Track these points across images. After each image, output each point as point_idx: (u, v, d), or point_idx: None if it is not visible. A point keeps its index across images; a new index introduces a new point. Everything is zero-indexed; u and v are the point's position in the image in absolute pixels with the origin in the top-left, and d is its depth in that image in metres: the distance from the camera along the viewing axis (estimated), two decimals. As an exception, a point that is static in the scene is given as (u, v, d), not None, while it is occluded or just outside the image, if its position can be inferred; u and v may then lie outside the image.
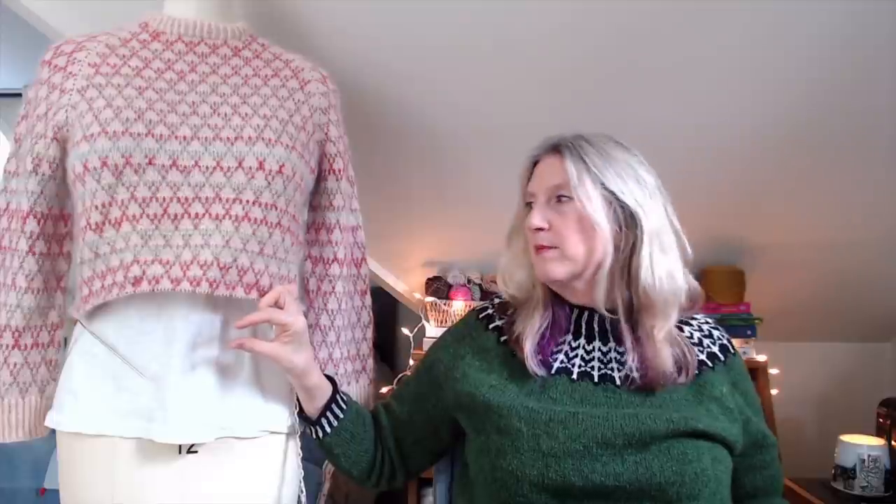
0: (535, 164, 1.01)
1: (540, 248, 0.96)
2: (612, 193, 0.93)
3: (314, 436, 1.02)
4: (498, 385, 0.96)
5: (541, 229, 0.95)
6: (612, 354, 0.96)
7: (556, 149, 0.97)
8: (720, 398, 0.95)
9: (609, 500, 0.86)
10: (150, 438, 0.93)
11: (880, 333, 2.33)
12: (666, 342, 0.93)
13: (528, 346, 0.95)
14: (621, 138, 1.00)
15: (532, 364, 0.94)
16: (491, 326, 1.04)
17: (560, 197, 0.94)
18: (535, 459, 0.87)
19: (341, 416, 1.01)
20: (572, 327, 0.99)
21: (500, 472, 0.89)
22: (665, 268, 0.93)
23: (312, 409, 1.01)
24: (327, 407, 1.01)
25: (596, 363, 0.96)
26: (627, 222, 0.93)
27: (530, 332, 0.96)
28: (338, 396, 1.02)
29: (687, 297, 0.99)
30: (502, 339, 1.01)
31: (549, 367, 0.96)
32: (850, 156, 1.60)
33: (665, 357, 0.92)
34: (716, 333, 1.02)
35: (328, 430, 1.01)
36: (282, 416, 1.04)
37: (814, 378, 2.31)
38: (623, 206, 0.93)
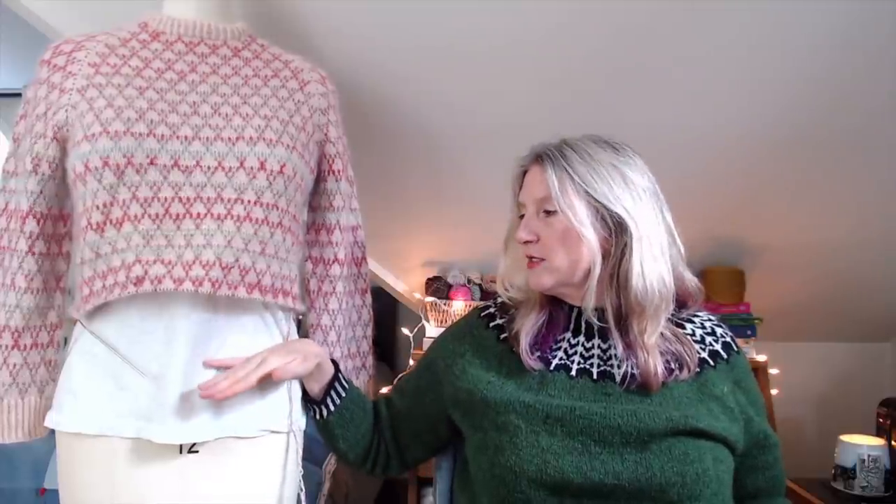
0: (524, 172, 1.01)
1: (529, 259, 0.97)
2: (598, 201, 0.91)
3: (317, 416, 1.04)
4: (496, 382, 0.96)
5: (528, 242, 0.96)
6: (612, 352, 0.96)
7: (539, 159, 0.97)
8: (721, 397, 0.94)
9: (608, 499, 0.86)
10: (149, 439, 0.93)
11: (880, 333, 2.33)
12: (656, 346, 0.93)
13: (524, 342, 0.96)
14: (619, 138, 0.99)
15: (528, 359, 0.95)
16: (491, 325, 1.04)
17: (548, 210, 0.95)
18: (534, 455, 0.87)
19: (343, 394, 1.04)
20: (571, 325, 0.99)
21: (498, 468, 0.89)
22: (657, 273, 0.92)
23: (316, 389, 1.03)
24: (331, 385, 1.03)
25: (595, 360, 0.96)
26: (616, 228, 0.92)
27: (526, 328, 0.97)
28: (340, 375, 1.04)
29: (690, 293, 1.00)
30: (502, 336, 1.01)
31: (547, 363, 0.96)
32: (850, 156, 1.60)
33: (656, 361, 0.92)
34: (719, 331, 1.02)
35: (332, 408, 1.02)
36: (282, 416, 1.03)
37: (814, 378, 2.31)
38: (611, 213, 0.91)
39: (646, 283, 0.91)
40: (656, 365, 0.91)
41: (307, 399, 1.05)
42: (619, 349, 0.94)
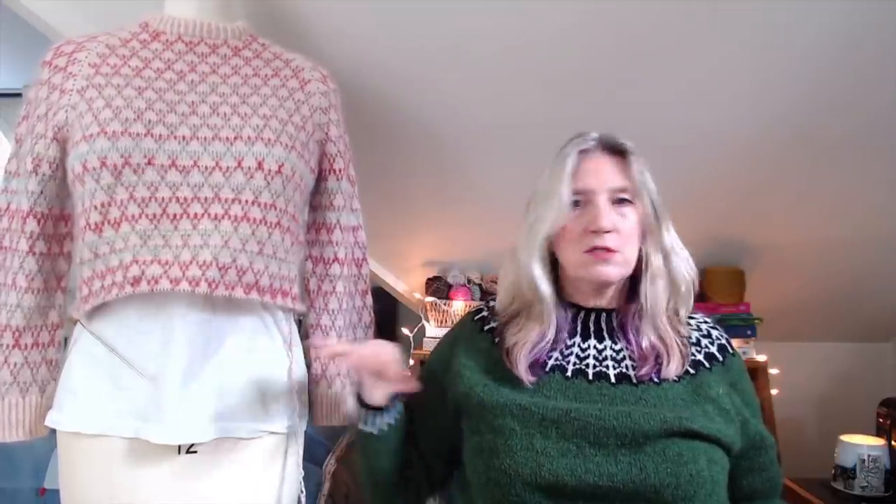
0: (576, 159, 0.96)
1: (603, 251, 0.92)
2: (650, 195, 0.95)
3: (376, 429, 0.96)
4: (492, 385, 0.95)
5: (608, 231, 0.93)
6: (608, 352, 0.96)
7: (615, 149, 0.96)
8: (717, 399, 0.94)
9: (603, 501, 0.85)
10: (147, 439, 0.93)
11: (880, 333, 2.33)
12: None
13: (524, 362, 0.94)
14: (621, 138, 1.00)
15: (525, 377, 0.93)
16: (486, 329, 1.03)
17: (622, 200, 0.94)
18: (528, 458, 0.87)
19: (402, 411, 0.99)
20: (568, 326, 0.98)
21: (493, 471, 0.89)
22: (689, 259, 0.98)
23: (381, 395, 0.96)
24: (396, 397, 0.97)
25: (591, 360, 0.96)
26: (658, 219, 0.96)
27: (523, 346, 0.95)
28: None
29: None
30: (496, 340, 1.00)
31: (543, 366, 0.95)
32: (850, 156, 1.60)
33: (676, 357, 0.94)
34: (714, 333, 1.02)
35: (392, 422, 0.97)
36: (281, 417, 1.03)
37: (814, 378, 2.31)
38: (654, 204, 0.96)
39: (689, 267, 0.97)
40: (681, 356, 0.95)
41: (365, 407, 0.97)
42: (646, 344, 0.95)
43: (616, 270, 0.94)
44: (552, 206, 0.94)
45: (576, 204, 0.95)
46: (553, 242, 0.97)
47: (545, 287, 0.96)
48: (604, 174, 0.95)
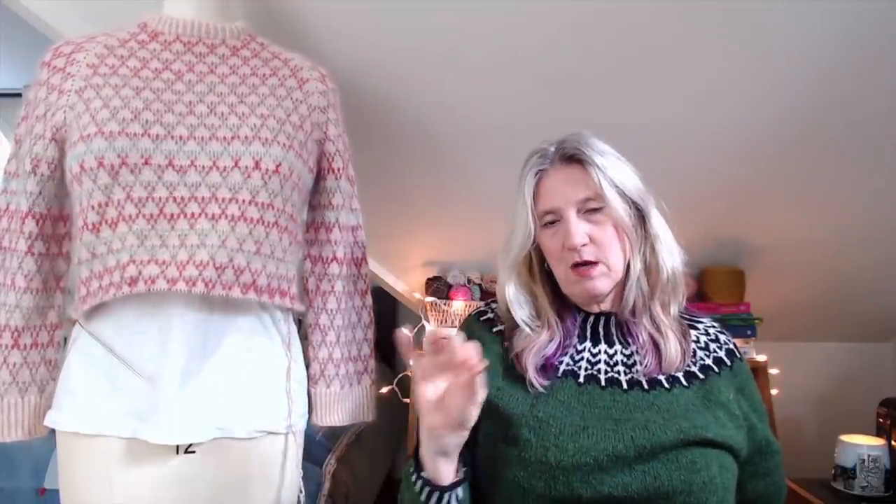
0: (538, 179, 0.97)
1: (585, 265, 0.92)
2: (623, 192, 0.93)
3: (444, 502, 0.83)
4: (505, 387, 0.93)
5: (584, 245, 0.92)
6: (619, 357, 0.95)
7: (571, 159, 0.95)
8: (726, 404, 0.93)
9: None
10: (144, 439, 0.93)
11: (880, 333, 2.33)
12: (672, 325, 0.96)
13: (532, 366, 0.92)
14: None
15: (536, 380, 0.92)
16: (494, 330, 1.01)
17: (593, 208, 0.93)
18: (543, 471, 0.85)
19: (466, 488, 0.87)
20: (577, 331, 0.97)
21: (506, 482, 0.87)
22: (676, 254, 0.96)
23: (448, 473, 0.84)
24: (463, 471, 0.86)
25: (602, 366, 0.94)
26: (639, 217, 0.94)
27: (534, 351, 0.94)
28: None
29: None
30: (506, 343, 0.98)
31: (555, 370, 0.94)
32: (850, 156, 1.60)
33: (673, 341, 0.94)
34: (722, 338, 1.01)
35: (461, 494, 0.85)
36: (279, 417, 1.03)
37: (814, 378, 2.31)
38: (633, 203, 0.94)
39: (674, 266, 0.95)
40: (680, 345, 0.94)
41: (426, 482, 0.83)
42: (644, 338, 0.94)
43: (602, 282, 0.94)
44: (520, 231, 0.97)
45: (551, 222, 0.95)
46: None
47: (519, 311, 0.97)
48: (566, 189, 0.94)
